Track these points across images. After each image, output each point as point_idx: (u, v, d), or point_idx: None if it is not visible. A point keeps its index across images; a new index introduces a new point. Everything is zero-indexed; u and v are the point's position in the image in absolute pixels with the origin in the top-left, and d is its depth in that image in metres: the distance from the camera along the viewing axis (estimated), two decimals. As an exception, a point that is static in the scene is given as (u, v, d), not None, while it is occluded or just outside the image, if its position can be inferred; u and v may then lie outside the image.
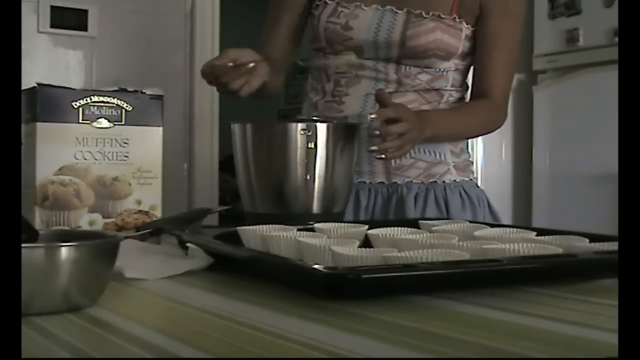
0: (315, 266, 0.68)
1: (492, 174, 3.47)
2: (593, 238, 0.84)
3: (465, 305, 0.63)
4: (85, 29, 2.65)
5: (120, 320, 0.60)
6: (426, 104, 1.38)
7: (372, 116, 1.16)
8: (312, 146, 1.13)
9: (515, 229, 0.93)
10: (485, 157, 3.45)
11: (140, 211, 1.03)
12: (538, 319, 0.59)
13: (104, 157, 1.01)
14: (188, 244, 0.87)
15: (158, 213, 1.04)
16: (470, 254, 0.74)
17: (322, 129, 1.14)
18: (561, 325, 0.57)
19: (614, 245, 0.80)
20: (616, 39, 2.93)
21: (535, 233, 0.90)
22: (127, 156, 1.02)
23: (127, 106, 1.02)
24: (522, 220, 3.38)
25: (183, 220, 1.04)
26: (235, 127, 1.20)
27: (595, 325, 0.57)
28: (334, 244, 0.78)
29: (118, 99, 1.01)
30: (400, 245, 0.82)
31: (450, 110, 1.40)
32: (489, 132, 1.47)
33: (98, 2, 2.68)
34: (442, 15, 1.35)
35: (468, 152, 1.48)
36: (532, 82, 3.38)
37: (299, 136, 1.13)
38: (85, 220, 1.00)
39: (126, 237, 0.91)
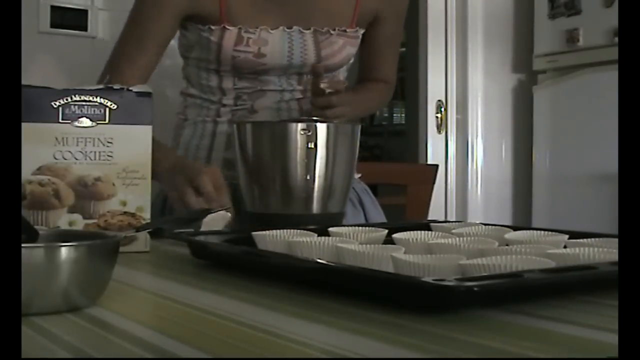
0: (416, 276, 0.64)
1: (493, 174, 3.47)
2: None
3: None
4: (85, 29, 2.64)
5: (120, 320, 0.60)
6: None
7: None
8: (312, 146, 1.13)
9: (544, 232, 0.89)
10: (486, 157, 3.45)
11: (125, 213, 0.99)
12: (538, 319, 0.59)
13: (86, 157, 0.98)
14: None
15: (147, 215, 1.00)
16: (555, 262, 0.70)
17: (322, 129, 1.14)
18: (561, 325, 0.57)
19: None
20: (616, 39, 2.93)
21: (567, 236, 0.86)
22: (111, 156, 0.99)
23: (111, 104, 0.98)
24: (522, 220, 3.38)
25: (183, 220, 1.04)
26: (235, 127, 1.20)
27: (595, 325, 0.57)
28: (374, 249, 0.74)
29: (101, 97, 0.98)
30: (437, 250, 0.78)
31: (360, 91, 1.53)
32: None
33: (98, 2, 2.68)
34: (346, 30, 1.39)
35: None
36: (532, 82, 3.38)
37: (299, 136, 1.13)
38: (65, 220, 0.97)
39: (125, 237, 0.92)
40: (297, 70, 1.37)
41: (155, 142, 1.01)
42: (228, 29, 1.32)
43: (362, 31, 1.43)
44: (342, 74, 1.47)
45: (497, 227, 0.97)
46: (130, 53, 1.37)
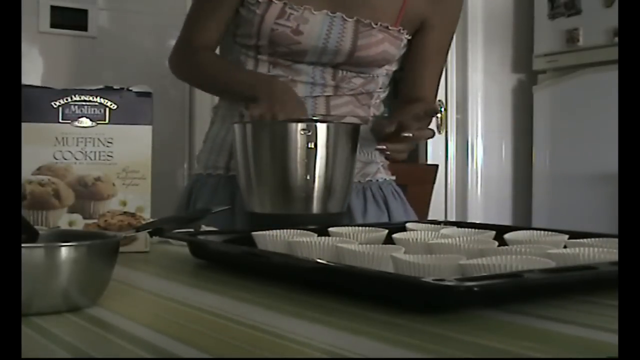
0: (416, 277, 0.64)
1: (492, 174, 3.47)
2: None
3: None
4: (85, 29, 2.65)
5: (120, 320, 0.60)
6: (359, 106, 1.42)
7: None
8: (312, 146, 1.13)
9: (544, 232, 0.88)
10: (486, 157, 3.45)
11: (125, 213, 0.99)
12: (538, 318, 0.59)
13: (86, 157, 0.98)
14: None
15: (147, 215, 1.00)
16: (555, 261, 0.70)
17: (322, 129, 1.14)
18: (561, 325, 0.57)
19: None
20: (616, 39, 2.93)
21: (567, 236, 0.86)
22: (111, 156, 0.99)
23: (111, 104, 0.98)
24: (522, 220, 3.38)
25: (183, 220, 1.04)
26: (235, 127, 1.20)
27: (595, 325, 0.57)
28: (374, 249, 0.74)
29: (101, 98, 0.98)
30: (437, 250, 0.78)
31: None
32: None
33: (98, 2, 2.68)
34: (389, 27, 1.38)
35: None
36: (532, 82, 3.38)
37: (299, 136, 1.13)
38: (65, 220, 0.97)
39: (125, 237, 0.92)
40: (331, 58, 1.36)
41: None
42: (274, 3, 1.35)
43: (406, 35, 1.42)
44: (380, 79, 1.44)
45: (482, 229, 0.95)
46: (205, 22, 1.45)
